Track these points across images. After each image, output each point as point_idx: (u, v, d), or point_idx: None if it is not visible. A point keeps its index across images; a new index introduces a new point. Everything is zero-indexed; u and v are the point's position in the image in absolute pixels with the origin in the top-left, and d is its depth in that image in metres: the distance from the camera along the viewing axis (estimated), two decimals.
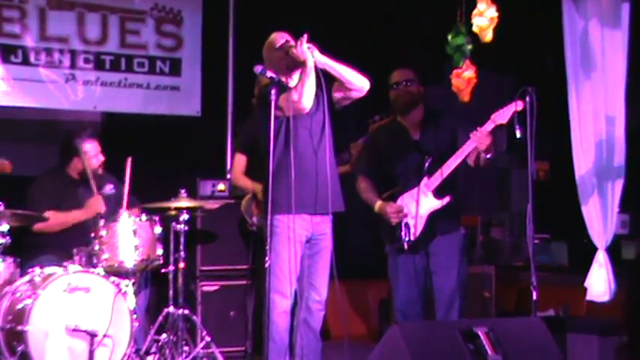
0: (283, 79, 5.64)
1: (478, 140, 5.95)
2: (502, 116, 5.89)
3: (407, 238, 6.15)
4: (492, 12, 6.73)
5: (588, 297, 7.14)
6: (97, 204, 6.63)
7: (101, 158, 6.86)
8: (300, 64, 5.54)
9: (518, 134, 5.80)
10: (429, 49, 7.89)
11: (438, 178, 6.09)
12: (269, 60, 5.71)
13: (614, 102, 7.06)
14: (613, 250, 7.25)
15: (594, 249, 7.13)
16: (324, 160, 5.62)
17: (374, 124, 7.20)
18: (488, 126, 5.93)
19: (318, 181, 5.61)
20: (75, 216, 6.67)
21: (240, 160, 6.76)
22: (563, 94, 7.19)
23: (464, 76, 6.96)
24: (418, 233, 6.13)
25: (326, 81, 5.57)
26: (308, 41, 5.52)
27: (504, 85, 8.31)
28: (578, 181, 7.19)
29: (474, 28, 6.80)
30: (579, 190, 7.18)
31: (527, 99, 5.70)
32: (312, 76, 5.51)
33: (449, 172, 6.06)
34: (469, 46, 6.94)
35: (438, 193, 6.12)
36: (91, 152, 6.82)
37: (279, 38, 5.68)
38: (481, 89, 7.05)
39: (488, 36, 6.78)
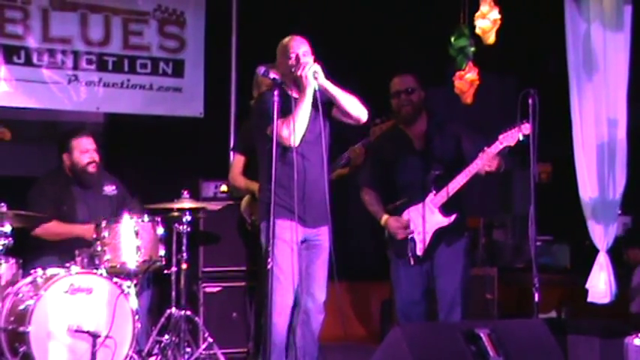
0: (290, 92, 5.63)
1: (486, 162, 5.96)
2: (509, 138, 5.89)
3: (413, 254, 6.15)
4: (495, 14, 6.73)
5: (589, 299, 7.14)
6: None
7: (94, 157, 6.82)
8: (300, 87, 5.55)
9: (520, 136, 5.82)
10: (431, 51, 7.90)
11: (444, 195, 6.08)
12: (279, 63, 5.70)
13: (616, 104, 7.06)
14: (614, 253, 7.25)
15: (596, 251, 7.13)
16: (322, 172, 5.63)
17: (374, 127, 7.20)
18: (496, 148, 5.93)
19: (316, 193, 5.61)
20: (75, 231, 6.66)
21: (239, 160, 6.68)
22: (566, 96, 7.20)
23: (466, 78, 6.96)
24: (424, 248, 6.14)
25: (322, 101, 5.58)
26: (317, 62, 5.52)
27: (507, 87, 8.34)
28: (579, 183, 7.19)
29: (477, 30, 6.80)
30: (581, 192, 7.18)
31: (530, 101, 5.70)
32: (306, 109, 5.51)
33: (455, 190, 6.06)
34: (472, 48, 6.94)
35: (445, 209, 6.12)
36: (80, 148, 6.79)
37: (295, 47, 5.62)
38: (484, 91, 7.06)
39: (490, 38, 6.79)
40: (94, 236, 6.33)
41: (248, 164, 6.58)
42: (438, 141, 6.25)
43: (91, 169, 6.79)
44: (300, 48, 5.63)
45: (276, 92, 5.36)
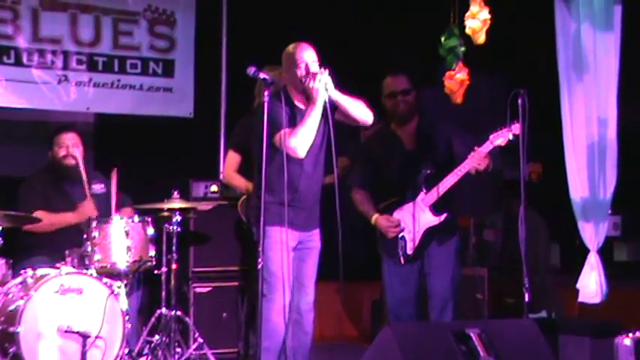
0: (295, 98, 5.61)
1: (476, 162, 5.97)
2: (500, 138, 5.90)
3: (403, 253, 6.16)
4: (485, 14, 6.74)
5: (580, 299, 7.15)
6: (89, 208, 6.60)
7: (72, 151, 6.77)
8: (310, 99, 5.51)
9: (510, 136, 5.83)
10: (422, 51, 7.90)
11: (434, 194, 6.09)
12: (285, 71, 5.66)
13: (606, 104, 7.07)
14: (605, 252, 7.26)
15: (586, 251, 7.14)
16: (318, 180, 5.66)
17: (365, 130, 7.19)
18: (486, 147, 5.95)
19: (311, 202, 5.63)
20: (66, 218, 6.64)
21: (234, 158, 6.67)
22: (556, 96, 7.21)
23: (457, 78, 6.96)
24: (415, 247, 6.15)
25: (330, 109, 5.55)
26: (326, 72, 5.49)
27: (497, 87, 8.33)
28: (570, 183, 7.21)
29: (467, 30, 6.80)
30: (571, 192, 7.19)
31: (520, 101, 5.70)
32: (315, 120, 5.47)
33: (446, 190, 6.07)
34: (462, 48, 6.94)
35: (436, 208, 6.12)
36: (58, 143, 6.77)
37: (303, 57, 5.55)
38: (474, 91, 7.06)
39: (481, 38, 6.79)
40: (94, 215, 6.36)
41: (243, 163, 6.58)
42: (428, 141, 6.26)
43: (67, 161, 6.76)
44: (309, 57, 5.57)
45: (266, 92, 5.34)
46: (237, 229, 6.99)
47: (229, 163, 6.73)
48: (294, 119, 5.55)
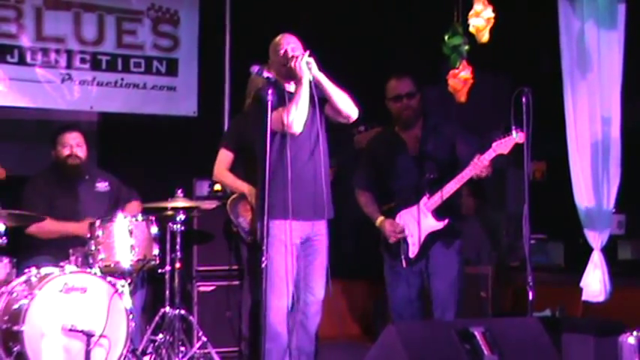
0: (286, 85, 5.64)
1: (479, 170, 5.96)
2: (503, 146, 5.89)
3: (406, 256, 6.16)
4: (489, 12, 6.73)
5: (584, 297, 7.15)
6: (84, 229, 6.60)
7: (75, 150, 6.80)
8: (296, 79, 5.56)
9: (514, 135, 5.82)
10: (425, 50, 7.89)
11: (437, 199, 6.09)
12: (272, 61, 5.73)
13: (610, 103, 7.07)
14: (609, 251, 7.25)
15: (590, 249, 7.13)
16: (319, 166, 5.64)
17: (359, 135, 7.16)
18: (489, 155, 5.94)
19: (313, 188, 5.62)
20: (69, 229, 6.65)
21: (227, 156, 6.63)
22: (559, 94, 7.20)
23: (460, 77, 6.95)
24: (417, 251, 6.15)
25: (320, 92, 5.57)
26: (310, 55, 5.53)
27: (501, 86, 8.32)
28: (573, 181, 7.20)
29: (471, 29, 6.79)
30: (575, 190, 7.19)
31: (524, 99, 5.70)
32: (305, 96, 5.52)
33: (449, 195, 6.06)
34: (466, 47, 6.93)
35: (438, 213, 6.12)
36: (62, 142, 6.79)
37: (285, 43, 5.67)
38: (477, 90, 7.05)
39: (484, 36, 6.78)
40: (88, 235, 6.34)
41: (235, 162, 6.57)
42: (432, 145, 6.25)
43: (70, 161, 6.77)
44: (289, 43, 5.67)
45: (270, 91, 5.36)
46: (228, 228, 6.95)
47: (221, 160, 6.65)
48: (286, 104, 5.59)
